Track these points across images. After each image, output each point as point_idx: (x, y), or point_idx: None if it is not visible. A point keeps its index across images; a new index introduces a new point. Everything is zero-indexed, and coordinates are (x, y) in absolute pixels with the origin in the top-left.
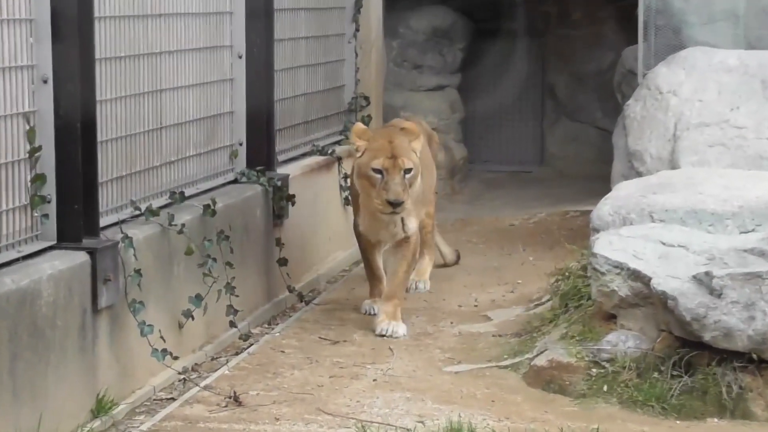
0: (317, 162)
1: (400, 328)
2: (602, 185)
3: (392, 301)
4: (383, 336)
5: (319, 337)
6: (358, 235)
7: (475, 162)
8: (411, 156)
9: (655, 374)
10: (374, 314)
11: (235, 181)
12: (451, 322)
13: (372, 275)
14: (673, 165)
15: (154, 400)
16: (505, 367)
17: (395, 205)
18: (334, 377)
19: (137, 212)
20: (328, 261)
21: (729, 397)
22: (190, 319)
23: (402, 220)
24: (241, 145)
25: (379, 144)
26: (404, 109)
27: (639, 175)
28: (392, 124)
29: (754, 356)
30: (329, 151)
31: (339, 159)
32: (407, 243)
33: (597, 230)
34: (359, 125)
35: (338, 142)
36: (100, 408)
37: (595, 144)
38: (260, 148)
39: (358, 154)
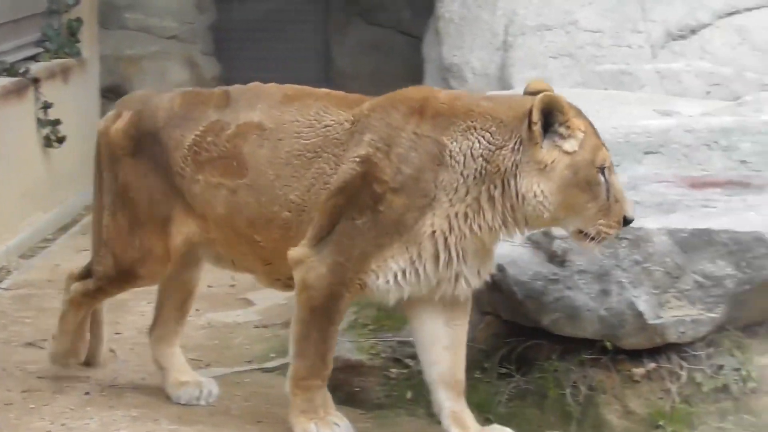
0: (2, 86)
1: None
2: None
3: None
4: None
5: (8, 337)
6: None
7: (233, 83)
8: None
9: (477, 373)
10: None
11: None
12: (197, 309)
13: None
14: (504, 83)
15: None
16: (272, 369)
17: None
18: (29, 392)
19: None
20: (22, 228)
21: (575, 401)
22: None
23: None
24: None
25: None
26: (130, 9)
27: None
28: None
29: (608, 345)
30: (21, 71)
31: (35, 81)
32: None
33: None
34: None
35: (34, 58)
36: None
37: (401, 56)
38: None
39: (573, 146)
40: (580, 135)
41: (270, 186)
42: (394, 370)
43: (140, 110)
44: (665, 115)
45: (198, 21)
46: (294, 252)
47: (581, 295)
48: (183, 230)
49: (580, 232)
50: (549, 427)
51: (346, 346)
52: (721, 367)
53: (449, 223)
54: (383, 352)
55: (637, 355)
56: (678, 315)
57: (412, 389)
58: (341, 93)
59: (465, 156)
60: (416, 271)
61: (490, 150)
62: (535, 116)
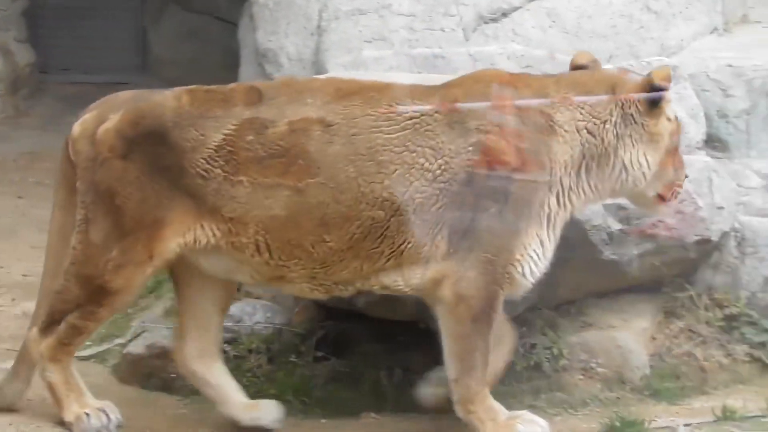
0: None
1: None
2: None
3: None
4: None
5: None
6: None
7: (49, 71)
8: None
9: (293, 358)
10: None
11: None
12: (13, 299)
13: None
14: (319, 68)
15: None
16: (87, 358)
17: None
18: None
19: None
20: None
21: (390, 383)
22: None
23: None
24: None
25: None
26: None
27: None
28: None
29: (422, 326)
30: None
31: None
32: None
33: None
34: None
35: None
36: None
37: (219, 42)
38: None
39: (671, 113)
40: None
41: (351, 183)
42: None
43: (138, 109)
44: None
45: (11, 8)
46: (432, 272)
47: None
48: (182, 234)
49: (659, 196)
50: (365, 409)
51: (162, 333)
52: (533, 345)
53: (557, 199)
54: None
55: None
56: None
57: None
58: (399, 84)
59: (570, 127)
60: (545, 253)
61: (594, 123)
62: (666, 89)
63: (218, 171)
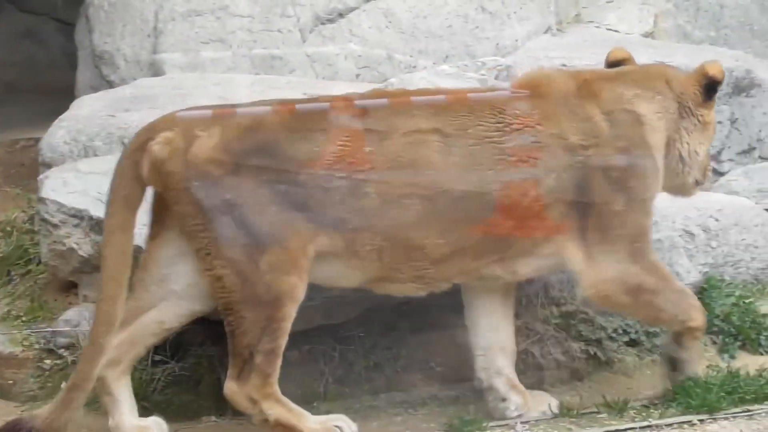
0: None
1: None
2: (67, 101)
3: None
4: None
5: None
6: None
7: None
8: None
9: None
10: None
11: None
12: None
13: None
14: (156, 70)
15: None
16: None
17: None
18: None
19: None
20: None
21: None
22: None
23: None
24: None
25: None
26: None
27: (110, 85)
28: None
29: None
30: None
31: None
32: None
33: (48, 165)
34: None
35: None
36: None
37: (55, 44)
38: None
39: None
40: None
41: (482, 192)
42: (47, 361)
43: (242, 124)
44: None
45: None
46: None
47: None
48: (308, 244)
49: (696, 181)
50: (205, 412)
51: None
52: (373, 346)
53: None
54: (37, 343)
55: (291, 338)
56: (329, 296)
57: (67, 379)
58: (487, 95)
59: (653, 119)
60: None
61: (667, 117)
62: (721, 81)
63: (344, 183)
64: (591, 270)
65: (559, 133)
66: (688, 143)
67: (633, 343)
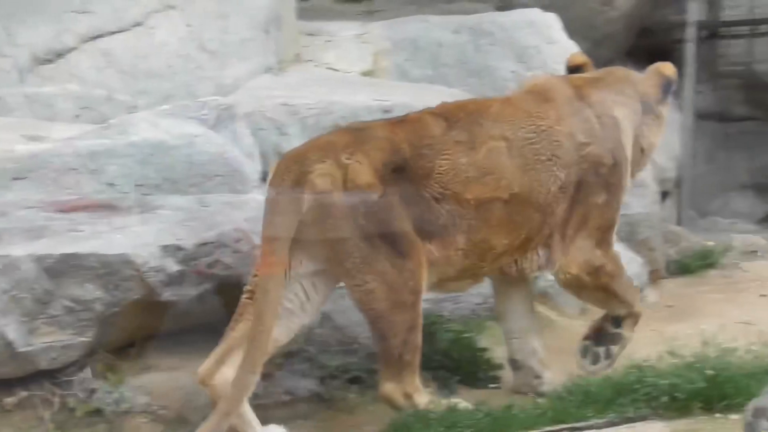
0: None
1: None
2: None
3: None
4: None
5: None
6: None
7: None
8: None
9: None
10: None
11: None
12: None
13: None
14: None
15: None
16: None
17: None
18: None
19: None
20: None
21: None
22: None
23: None
24: None
25: None
26: None
27: None
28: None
29: None
30: None
31: None
32: None
33: None
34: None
35: None
36: None
37: None
38: None
39: None
40: None
41: (531, 191)
42: None
43: (380, 147)
44: (33, 140)
45: None
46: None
47: None
48: (425, 255)
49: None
50: None
51: None
52: (93, 390)
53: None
54: None
55: (7, 384)
56: (48, 341)
57: None
58: (514, 99)
59: (626, 123)
60: None
61: (634, 118)
62: (676, 80)
63: (449, 193)
64: (566, 257)
65: (571, 132)
66: (647, 137)
67: (355, 381)
